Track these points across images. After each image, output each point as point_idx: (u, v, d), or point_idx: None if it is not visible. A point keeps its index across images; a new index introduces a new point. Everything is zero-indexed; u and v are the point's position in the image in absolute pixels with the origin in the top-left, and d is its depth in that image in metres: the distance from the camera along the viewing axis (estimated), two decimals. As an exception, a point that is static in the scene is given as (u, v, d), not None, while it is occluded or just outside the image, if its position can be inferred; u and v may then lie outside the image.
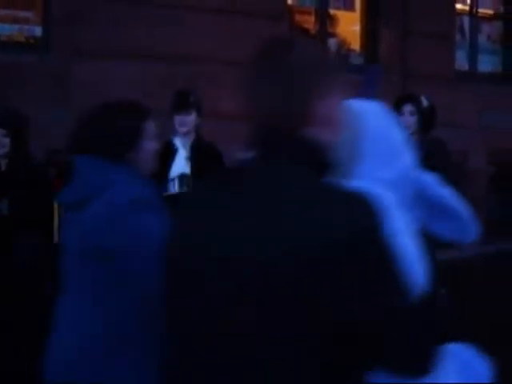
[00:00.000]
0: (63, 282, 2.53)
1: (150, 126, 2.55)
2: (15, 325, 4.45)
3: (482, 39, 8.61)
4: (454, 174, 4.93)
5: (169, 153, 4.80)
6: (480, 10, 8.50)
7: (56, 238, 5.24)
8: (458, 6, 8.21)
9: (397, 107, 4.88)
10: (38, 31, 6.26)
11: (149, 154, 2.56)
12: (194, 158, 4.78)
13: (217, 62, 6.24)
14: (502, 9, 8.73)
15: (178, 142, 4.83)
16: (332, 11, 7.46)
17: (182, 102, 4.77)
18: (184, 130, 4.78)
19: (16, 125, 4.53)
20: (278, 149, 1.53)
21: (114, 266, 2.34)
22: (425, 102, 4.87)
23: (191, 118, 4.78)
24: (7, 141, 4.49)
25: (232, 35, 6.28)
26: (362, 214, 1.41)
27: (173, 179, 4.75)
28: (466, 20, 8.41)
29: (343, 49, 7.58)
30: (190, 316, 1.53)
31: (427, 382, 1.52)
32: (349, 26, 7.63)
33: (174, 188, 4.72)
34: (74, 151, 2.54)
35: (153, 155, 2.61)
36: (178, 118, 4.76)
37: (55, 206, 5.01)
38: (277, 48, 1.62)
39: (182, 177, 4.74)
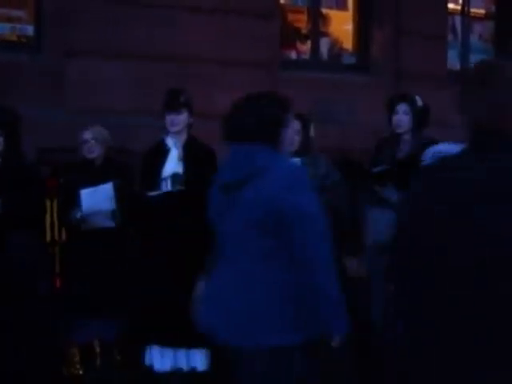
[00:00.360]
0: (221, 255, 3.05)
1: (290, 116, 3.08)
2: (13, 324, 4.46)
3: (473, 39, 8.64)
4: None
5: (161, 152, 4.79)
6: (472, 10, 8.52)
7: (48, 237, 5.26)
8: (450, 5, 8.23)
9: (391, 106, 4.90)
10: (30, 30, 6.24)
11: (289, 140, 3.12)
12: (187, 157, 4.76)
13: (211, 61, 6.23)
14: (493, 8, 8.75)
15: (169, 141, 4.81)
16: (324, 10, 7.47)
17: (173, 102, 4.73)
18: (175, 129, 4.75)
19: (9, 123, 4.53)
20: (493, 146, 1.96)
21: (276, 237, 2.82)
22: (419, 102, 4.89)
23: (182, 118, 4.74)
24: (1, 140, 4.48)
25: (225, 34, 6.27)
26: None
27: (165, 178, 4.74)
28: (458, 20, 8.43)
29: (335, 48, 7.59)
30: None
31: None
32: (341, 25, 7.63)
33: (167, 187, 4.72)
34: (229, 138, 3.05)
35: (291, 142, 3.42)
36: (168, 118, 4.72)
37: (48, 204, 5.03)
38: (487, 69, 2.04)
39: (174, 176, 4.73)
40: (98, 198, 4.61)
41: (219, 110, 6.02)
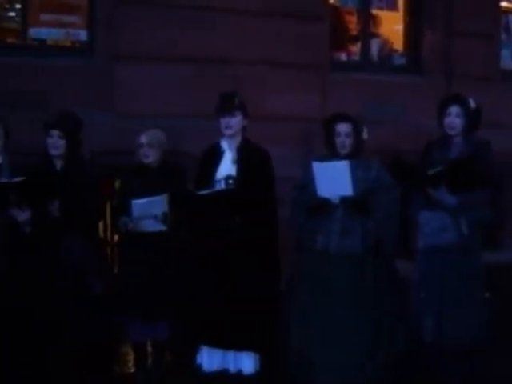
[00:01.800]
0: None
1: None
2: (68, 324, 4.56)
3: (527, 38, 8.48)
4: (497, 176, 4.88)
5: (215, 155, 4.83)
6: (525, 8, 8.36)
7: (101, 238, 5.34)
8: (503, 4, 8.09)
9: (442, 108, 4.83)
10: (83, 35, 6.36)
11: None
12: (241, 160, 4.78)
13: (260, 63, 6.25)
14: (548, 6, 8.57)
15: (224, 144, 4.84)
16: (374, 11, 7.42)
17: (227, 105, 4.74)
18: (229, 132, 4.77)
19: (71, 127, 4.61)
20: None
21: None
22: (471, 104, 4.80)
23: (237, 120, 4.76)
24: (63, 142, 4.57)
25: (275, 37, 6.28)
26: None
27: (219, 181, 4.78)
28: (511, 18, 8.28)
29: (386, 49, 7.53)
30: None
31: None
32: (391, 26, 7.57)
33: (220, 188, 4.75)
34: None
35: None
36: (223, 121, 4.74)
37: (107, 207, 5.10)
38: None
39: (228, 178, 4.76)
40: (149, 208, 4.64)
41: (268, 112, 6.11)
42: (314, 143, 5.87)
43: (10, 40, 6.37)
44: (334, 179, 4.46)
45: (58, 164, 4.62)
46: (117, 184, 5.65)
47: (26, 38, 6.26)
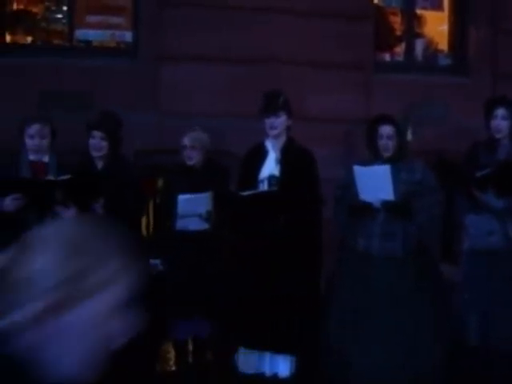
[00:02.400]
0: None
1: None
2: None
3: None
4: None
5: (259, 155, 4.82)
6: None
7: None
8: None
9: (488, 110, 4.75)
10: (128, 36, 6.42)
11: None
12: (284, 160, 4.77)
13: (303, 63, 6.22)
14: None
15: (268, 144, 4.83)
16: (419, 11, 7.34)
17: (271, 105, 4.74)
18: (274, 132, 4.76)
19: (113, 127, 4.67)
20: None
21: None
22: None
23: (281, 121, 4.75)
24: (105, 144, 4.63)
25: (318, 36, 6.25)
26: None
27: (262, 180, 4.77)
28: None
29: (430, 49, 7.44)
30: None
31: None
32: (436, 25, 7.47)
33: (263, 189, 4.75)
34: None
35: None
36: (267, 121, 4.74)
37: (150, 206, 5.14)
38: None
39: (271, 178, 4.75)
40: (194, 204, 4.67)
41: (311, 112, 6.09)
42: (357, 144, 5.83)
43: (56, 41, 6.46)
44: (375, 183, 4.43)
45: (100, 164, 4.67)
46: (159, 183, 5.71)
47: (72, 40, 6.35)
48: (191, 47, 6.02)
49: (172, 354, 5.17)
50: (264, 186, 4.74)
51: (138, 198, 4.77)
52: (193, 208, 4.67)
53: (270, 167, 4.78)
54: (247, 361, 4.87)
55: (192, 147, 4.83)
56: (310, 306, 4.75)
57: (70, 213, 4.38)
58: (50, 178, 4.30)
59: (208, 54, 6.02)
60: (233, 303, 4.81)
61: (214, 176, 4.84)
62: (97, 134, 4.61)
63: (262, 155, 4.81)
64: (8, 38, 6.33)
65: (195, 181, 4.80)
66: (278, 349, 4.77)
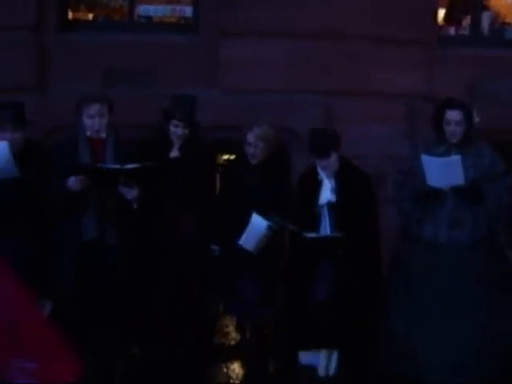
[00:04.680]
0: None
1: None
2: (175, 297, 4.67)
3: None
4: None
5: (314, 183, 4.72)
6: None
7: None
8: None
9: None
10: (188, 12, 6.40)
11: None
12: (340, 187, 4.64)
13: (366, 38, 6.09)
14: None
15: (322, 172, 4.70)
16: (485, -17, 7.12)
17: (319, 148, 4.59)
18: (327, 172, 4.65)
19: (191, 114, 4.71)
20: None
21: None
22: None
23: (332, 161, 4.62)
24: (186, 131, 4.70)
25: (381, 11, 6.10)
26: None
27: (322, 206, 4.68)
28: None
29: (497, 22, 7.22)
30: None
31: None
32: (504, -2, 7.25)
33: (326, 230, 4.68)
34: None
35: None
36: (318, 162, 4.64)
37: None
38: None
39: (329, 205, 4.66)
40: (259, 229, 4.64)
41: (374, 88, 5.98)
42: (420, 121, 5.72)
43: (117, 18, 6.49)
44: (444, 171, 4.33)
45: (177, 145, 4.74)
46: (220, 159, 5.73)
47: (133, 16, 6.38)
48: (252, 22, 5.96)
49: (231, 329, 5.21)
50: (324, 213, 4.66)
51: (209, 187, 4.81)
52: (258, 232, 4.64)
53: (327, 195, 4.67)
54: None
55: (256, 146, 4.79)
56: (367, 307, 4.68)
57: (133, 193, 4.44)
58: (117, 166, 4.34)
59: (270, 30, 5.95)
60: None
61: (273, 172, 4.81)
62: (177, 122, 4.67)
63: (316, 183, 4.70)
64: (70, 15, 6.39)
65: (255, 178, 4.77)
66: (332, 345, 4.77)
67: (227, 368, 4.85)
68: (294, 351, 4.80)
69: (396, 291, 4.61)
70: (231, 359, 4.93)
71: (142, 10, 6.40)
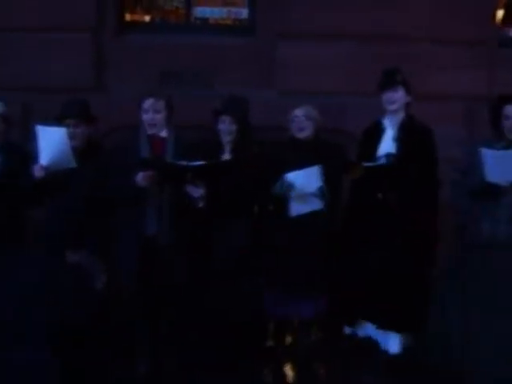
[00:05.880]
0: None
1: None
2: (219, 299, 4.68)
3: None
4: None
5: (377, 132, 4.80)
6: None
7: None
8: None
9: None
10: (244, 14, 6.42)
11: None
12: (402, 138, 4.72)
13: (424, 40, 6.03)
14: None
15: (386, 121, 4.81)
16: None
17: (389, 80, 4.74)
18: (392, 107, 4.75)
19: (241, 111, 4.72)
20: None
21: None
22: None
23: (399, 95, 4.75)
24: (234, 128, 4.70)
25: (439, 11, 6.03)
26: None
27: (379, 158, 4.74)
28: None
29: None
30: None
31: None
32: None
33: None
34: None
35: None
36: (385, 96, 4.75)
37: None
38: None
39: (388, 156, 4.70)
40: (304, 181, 4.65)
41: (432, 90, 5.90)
42: (479, 123, 5.62)
43: (174, 20, 6.54)
44: (504, 166, 4.26)
45: (228, 146, 4.74)
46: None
47: (190, 18, 6.42)
48: (308, 24, 5.95)
49: (274, 332, 5.19)
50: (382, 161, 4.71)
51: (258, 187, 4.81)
52: (304, 186, 4.63)
53: (387, 145, 4.76)
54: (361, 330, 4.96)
55: (306, 117, 4.82)
56: (421, 287, 4.69)
57: (199, 192, 4.46)
58: (183, 163, 4.39)
59: (326, 31, 5.93)
60: (345, 278, 4.81)
61: (323, 151, 4.80)
62: (225, 118, 4.68)
63: (379, 133, 4.80)
64: (128, 17, 6.47)
65: (304, 155, 4.77)
66: (386, 326, 4.78)
67: (279, 370, 4.84)
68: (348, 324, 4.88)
69: (451, 290, 4.57)
70: (283, 361, 4.92)
71: (198, 11, 6.44)
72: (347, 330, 5.03)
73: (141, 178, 4.40)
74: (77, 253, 3.97)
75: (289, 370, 4.75)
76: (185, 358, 4.69)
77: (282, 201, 4.74)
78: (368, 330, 4.95)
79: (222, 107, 4.74)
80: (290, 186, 4.65)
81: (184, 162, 4.38)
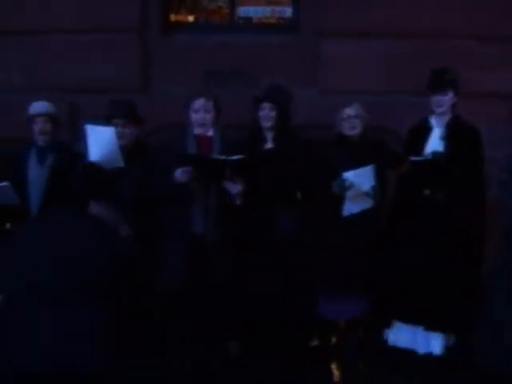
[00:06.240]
0: None
1: None
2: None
3: None
4: None
5: (424, 131, 4.77)
6: None
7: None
8: None
9: None
10: (288, 12, 6.43)
11: None
12: (449, 137, 4.68)
13: (465, 37, 5.95)
14: None
15: (433, 120, 4.79)
16: None
17: (439, 82, 4.70)
18: (440, 110, 4.73)
19: (281, 99, 4.73)
20: None
21: None
22: None
23: (447, 98, 4.72)
24: (274, 114, 4.71)
25: (479, 8, 5.96)
26: None
27: (426, 156, 4.71)
28: None
29: None
30: None
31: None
32: None
33: None
34: None
35: None
36: (434, 99, 4.72)
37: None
38: None
39: (434, 154, 4.67)
40: (359, 181, 4.64)
41: (475, 88, 5.83)
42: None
43: (218, 19, 6.58)
44: None
45: (269, 135, 4.75)
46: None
47: (234, 17, 6.45)
48: (352, 22, 5.93)
49: (318, 332, 5.18)
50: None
51: (304, 171, 4.80)
52: (359, 185, 4.63)
53: (434, 143, 4.74)
54: (400, 335, 4.86)
55: (357, 116, 4.82)
56: (468, 288, 4.63)
57: (237, 188, 4.48)
58: (222, 157, 4.40)
59: (370, 29, 5.91)
60: (388, 278, 4.78)
61: (372, 149, 4.78)
62: (266, 105, 4.71)
63: (425, 131, 4.77)
64: (172, 18, 6.53)
65: (354, 152, 4.76)
66: (431, 325, 4.73)
67: (325, 369, 4.83)
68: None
69: (499, 290, 4.51)
70: (329, 360, 4.91)
71: (241, 11, 6.47)
72: (386, 336, 4.98)
73: (179, 173, 4.43)
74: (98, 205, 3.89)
75: (334, 370, 4.73)
76: (226, 357, 4.73)
77: (334, 198, 4.73)
78: (404, 333, 4.88)
79: (262, 94, 4.76)
80: (351, 186, 4.64)
81: (223, 156, 4.40)
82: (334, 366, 4.76)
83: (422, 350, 4.81)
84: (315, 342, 5.02)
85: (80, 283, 2.88)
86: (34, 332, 2.70)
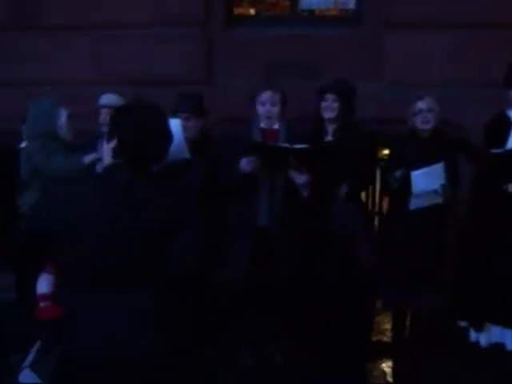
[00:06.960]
0: None
1: None
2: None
3: None
4: None
5: (503, 126, 4.64)
6: None
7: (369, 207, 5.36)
8: None
9: None
10: (351, 4, 6.37)
11: None
12: None
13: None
14: None
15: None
16: None
17: None
18: None
19: (344, 91, 4.69)
20: None
21: None
22: None
23: None
24: (337, 105, 4.67)
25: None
26: None
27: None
28: None
29: None
30: None
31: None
32: None
33: None
34: None
35: None
36: None
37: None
38: None
39: None
40: (429, 180, 4.56)
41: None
42: None
43: (280, 12, 6.57)
44: None
45: (331, 128, 4.72)
46: (381, 153, 5.65)
47: (296, 10, 6.43)
48: (417, 13, 5.84)
49: (388, 325, 5.14)
50: None
51: (366, 163, 4.75)
52: (428, 184, 4.55)
53: None
54: (485, 333, 4.83)
55: (430, 110, 4.73)
56: None
57: (303, 178, 4.46)
58: (286, 145, 4.39)
59: (435, 21, 5.81)
60: (469, 275, 4.73)
61: (443, 146, 4.70)
62: (329, 96, 4.67)
63: (505, 126, 4.61)
64: (235, 11, 6.55)
65: (425, 148, 4.69)
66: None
67: (383, 366, 4.79)
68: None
69: None
70: (387, 357, 4.87)
71: (304, 3, 6.45)
72: (472, 337, 4.89)
73: (245, 163, 4.42)
74: None
75: (401, 365, 4.69)
76: (292, 352, 4.72)
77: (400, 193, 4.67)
78: (495, 334, 4.81)
79: (326, 85, 4.72)
80: (403, 176, 4.59)
81: (287, 144, 4.38)
82: (385, 365, 4.73)
83: (509, 346, 4.75)
84: (384, 338, 4.98)
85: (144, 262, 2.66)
86: (102, 319, 2.65)
